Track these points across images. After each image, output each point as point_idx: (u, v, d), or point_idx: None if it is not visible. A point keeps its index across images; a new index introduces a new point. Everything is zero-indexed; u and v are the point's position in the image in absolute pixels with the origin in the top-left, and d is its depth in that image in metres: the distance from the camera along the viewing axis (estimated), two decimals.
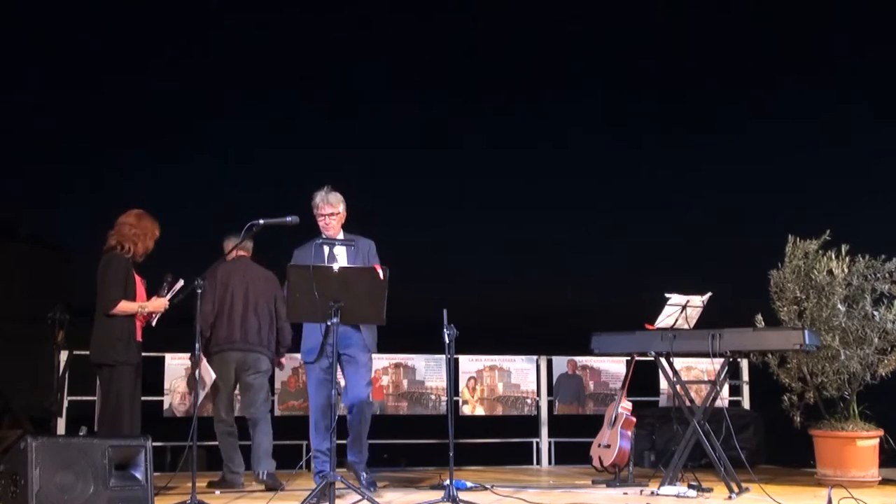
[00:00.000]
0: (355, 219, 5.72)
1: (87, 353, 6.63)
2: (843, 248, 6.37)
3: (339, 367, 5.25)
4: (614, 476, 6.28)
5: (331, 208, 5.56)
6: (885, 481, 6.20)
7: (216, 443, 6.92)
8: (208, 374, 5.81)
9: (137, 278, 5.40)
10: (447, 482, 5.04)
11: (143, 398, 7.14)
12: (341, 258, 5.53)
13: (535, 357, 7.90)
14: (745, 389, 8.08)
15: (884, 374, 6.25)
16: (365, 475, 5.60)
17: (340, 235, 5.63)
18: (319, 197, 5.58)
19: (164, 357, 7.19)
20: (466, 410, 7.65)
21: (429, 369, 7.59)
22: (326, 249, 5.53)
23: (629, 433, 6.36)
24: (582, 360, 7.92)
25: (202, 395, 5.75)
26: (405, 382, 7.56)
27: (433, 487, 5.93)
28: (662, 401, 7.86)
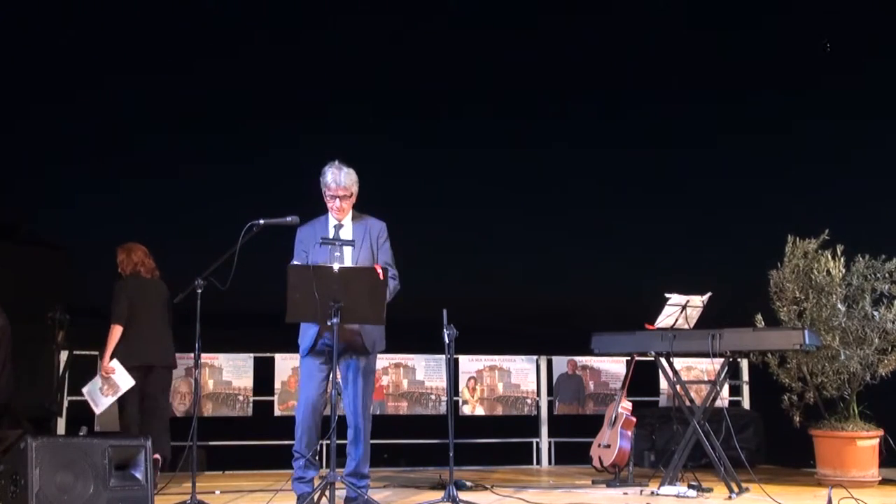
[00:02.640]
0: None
1: (86, 353, 6.73)
2: (839, 248, 6.38)
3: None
4: (614, 476, 6.28)
5: (343, 191, 4.87)
6: (885, 481, 6.20)
7: (216, 443, 6.96)
8: (125, 380, 5.99)
9: None
10: (447, 482, 5.04)
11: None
12: (346, 258, 4.92)
13: (535, 357, 7.90)
14: (745, 389, 8.08)
15: (884, 374, 6.25)
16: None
17: (349, 217, 5.00)
18: (331, 175, 4.86)
19: None
20: (466, 410, 7.66)
21: (429, 369, 7.59)
22: (329, 249, 4.90)
23: (629, 433, 6.36)
24: (582, 360, 7.92)
25: (111, 400, 6.06)
26: (405, 382, 7.56)
27: (433, 487, 5.94)
28: (662, 401, 7.86)
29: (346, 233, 4.99)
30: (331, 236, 4.95)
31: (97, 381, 6.06)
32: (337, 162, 4.91)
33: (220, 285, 4.80)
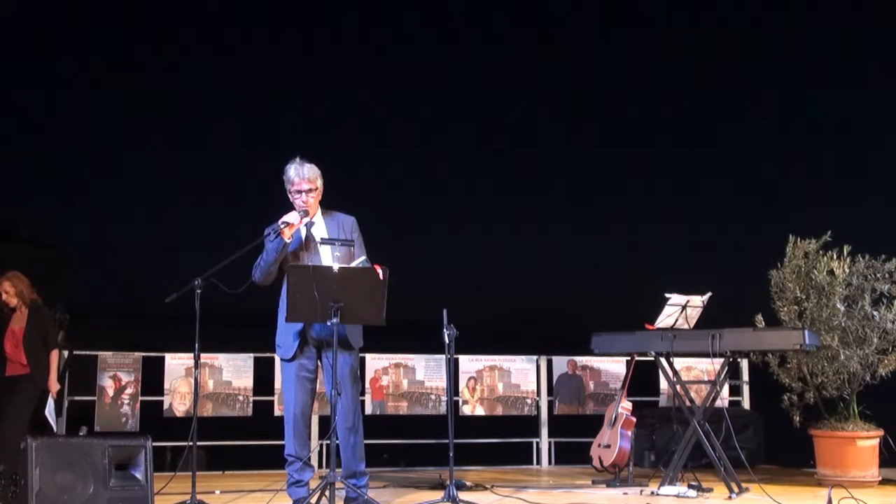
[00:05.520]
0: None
1: (86, 353, 6.82)
2: (845, 248, 6.38)
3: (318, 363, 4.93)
4: (614, 476, 6.28)
5: (308, 184, 4.83)
6: (885, 481, 6.20)
7: (216, 443, 6.94)
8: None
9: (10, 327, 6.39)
10: (447, 482, 5.04)
11: (144, 398, 7.24)
12: (326, 257, 4.88)
13: (535, 357, 7.89)
14: (745, 389, 8.08)
15: (884, 374, 6.25)
16: None
17: (319, 213, 4.96)
18: (293, 170, 4.84)
19: (164, 357, 7.20)
20: (466, 410, 7.65)
21: (429, 369, 7.59)
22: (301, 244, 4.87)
23: (629, 433, 6.36)
24: (582, 360, 7.92)
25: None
26: (405, 382, 7.56)
27: (433, 487, 5.94)
28: (662, 401, 7.86)
29: (319, 229, 4.95)
30: (303, 234, 4.92)
31: (52, 402, 6.38)
32: (298, 158, 4.88)
33: (225, 287, 4.78)
